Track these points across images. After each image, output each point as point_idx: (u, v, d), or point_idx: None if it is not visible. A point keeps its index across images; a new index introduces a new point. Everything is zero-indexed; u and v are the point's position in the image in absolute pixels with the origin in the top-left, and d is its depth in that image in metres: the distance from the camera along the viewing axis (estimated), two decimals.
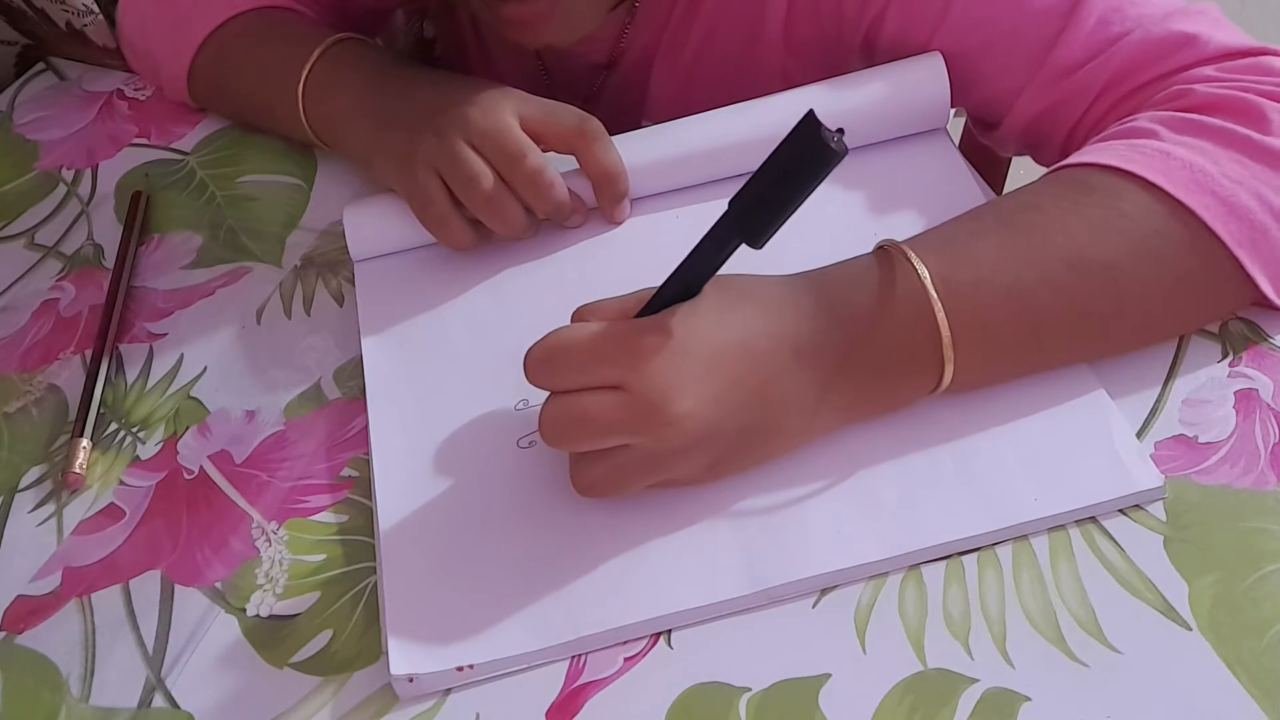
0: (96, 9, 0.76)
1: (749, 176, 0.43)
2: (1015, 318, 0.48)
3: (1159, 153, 0.49)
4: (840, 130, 0.41)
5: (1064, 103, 0.58)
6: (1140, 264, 0.48)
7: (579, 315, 0.48)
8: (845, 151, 0.41)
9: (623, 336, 0.45)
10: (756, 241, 0.43)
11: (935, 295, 0.46)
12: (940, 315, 0.46)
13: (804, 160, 0.41)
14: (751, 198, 0.43)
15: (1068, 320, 0.48)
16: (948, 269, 0.47)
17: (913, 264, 0.47)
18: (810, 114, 0.41)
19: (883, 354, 0.47)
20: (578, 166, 0.60)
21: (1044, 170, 0.64)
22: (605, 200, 0.60)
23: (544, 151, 0.58)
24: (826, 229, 0.59)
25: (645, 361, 0.44)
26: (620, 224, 0.61)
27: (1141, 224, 0.48)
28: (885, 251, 0.49)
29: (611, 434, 0.45)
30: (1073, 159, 0.52)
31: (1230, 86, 0.52)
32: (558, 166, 0.58)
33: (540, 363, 0.46)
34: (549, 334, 0.46)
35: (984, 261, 0.48)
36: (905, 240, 0.49)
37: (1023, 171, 0.80)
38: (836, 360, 0.47)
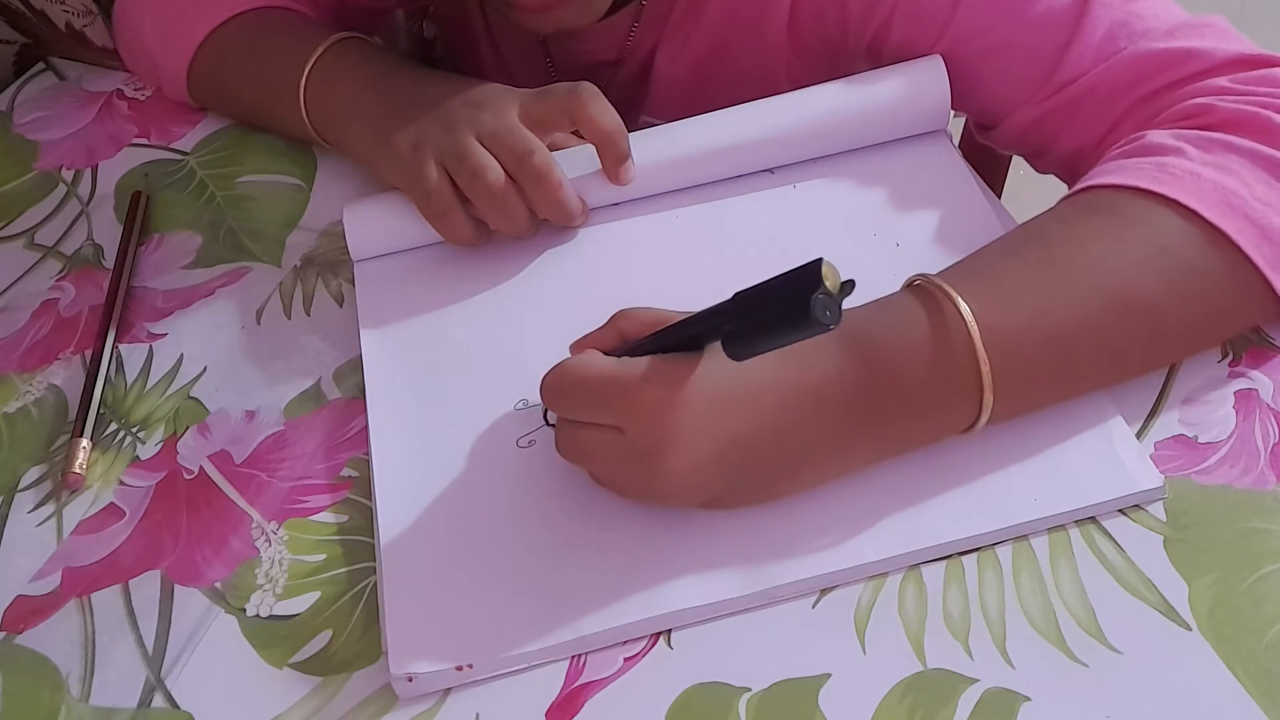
0: (96, 9, 0.76)
1: (754, 287, 0.41)
2: (1054, 363, 0.47)
3: (1189, 174, 0.48)
4: (849, 284, 0.39)
5: (1064, 110, 0.57)
6: (1178, 301, 0.47)
7: (615, 322, 0.48)
8: (831, 324, 0.38)
9: (627, 383, 0.45)
10: (734, 355, 0.42)
11: (981, 346, 0.45)
12: (985, 367, 0.45)
13: (790, 311, 0.39)
14: (742, 313, 0.41)
15: (1103, 359, 0.48)
16: (992, 315, 0.46)
17: (959, 310, 0.45)
18: (816, 266, 0.38)
19: (917, 404, 0.46)
20: (581, 173, 0.60)
21: (1040, 171, 0.64)
22: (607, 161, 0.59)
23: (548, 138, 0.58)
24: (825, 228, 0.59)
25: (643, 413, 0.44)
26: (625, 185, 0.60)
27: (1180, 258, 0.47)
28: (926, 293, 0.47)
29: (609, 467, 0.47)
30: (1100, 178, 0.50)
31: (1248, 101, 0.51)
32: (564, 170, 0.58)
33: (552, 391, 0.47)
34: (565, 362, 0.47)
35: (1027, 308, 0.46)
36: (942, 276, 0.47)
37: (1022, 171, 0.80)
38: (866, 411, 0.46)
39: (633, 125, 0.62)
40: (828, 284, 0.38)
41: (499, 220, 0.58)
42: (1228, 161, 0.49)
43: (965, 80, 0.60)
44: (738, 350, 0.42)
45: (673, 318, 0.46)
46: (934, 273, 0.48)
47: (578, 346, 0.49)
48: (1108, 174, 0.50)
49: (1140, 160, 0.50)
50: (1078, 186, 0.52)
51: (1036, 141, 0.61)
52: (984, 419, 0.46)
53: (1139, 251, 0.47)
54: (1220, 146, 0.49)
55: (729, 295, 0.43)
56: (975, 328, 0.45)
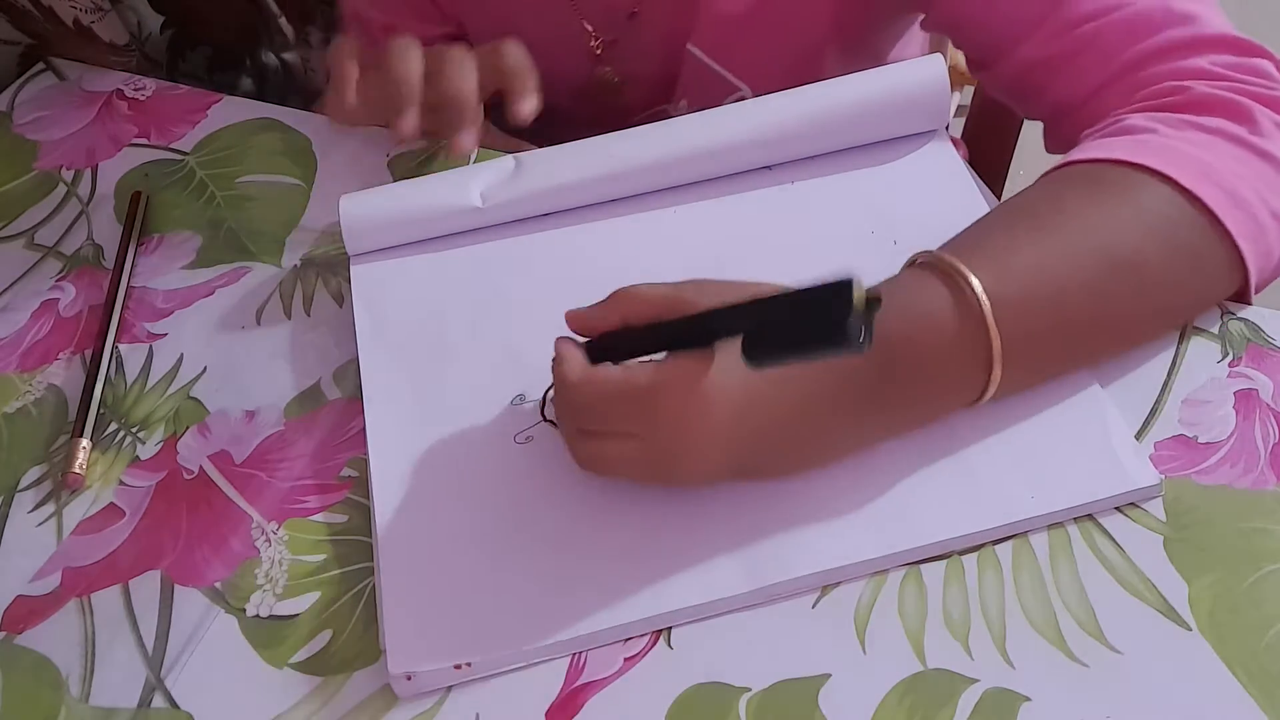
0: (108, 4, 0.76)
1: (777, 296, 0.40)
2: (1057, 327, 0.47)
3: (1164, 148, 0.50)
4: (876, 301, 0.38)
5: (1064, 56, 0.57)
6: (1160, 254, 0.48)
7: (617, 304, 0.47)
8: (868, 346, 0.37)
9: (646, 394, 0.44)
10: (755, 363, 0.40)
11: (992, 320, 0.45)
12: (996, 342, 0.45)
13: (823, 330, 0.37)
14: (765, 321, 0.40)
15: (1101, 321, 0.49)
16: (995, 284, 0.46)
17: (970, 285, 0.46)
18: (848, 287, 0.37)
19: (930, 378, 0.47)
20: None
21: (1050, 161, 0.64)
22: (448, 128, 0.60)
23: None
24: (822, 225, 0.59)
25: (666, 423, 0.45)
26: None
27: (1157, 214, 0.49)
28: (936, 271, 0.47)
29: (629, 474, 0.48)
30: (1077, 155, 0.52)
31: (1224, 87, 0.52)
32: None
33: (569, 408, 0.48)
34: (575, 375, 0.46)
35: (1027, 273, 0.47)
36: (945, 251, 0.48)
37: (1022, 172, 0.80)
38: (884, 393, 0.46)
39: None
40: (856, 302, 0.37)
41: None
42: (1200, 138, 0.51)
43: (970, 12, 0.61)
44: (761, 360, 0.40)
45: (679, 300, 0.45)
46: (934, 250, 0.48)
47: (576, 320, 0.48)
48: (1086, 152, 0.52)
49: (1117, 139, 0.52)
50: (1056, 165, 0.53)
51: (1031, 84, 0.60)
52: (990, 392, 0.47)
53: (1119, 210, 0.49)
54: (1192, 127, 0.51)
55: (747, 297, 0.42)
56: (986, 302, 0.46)
